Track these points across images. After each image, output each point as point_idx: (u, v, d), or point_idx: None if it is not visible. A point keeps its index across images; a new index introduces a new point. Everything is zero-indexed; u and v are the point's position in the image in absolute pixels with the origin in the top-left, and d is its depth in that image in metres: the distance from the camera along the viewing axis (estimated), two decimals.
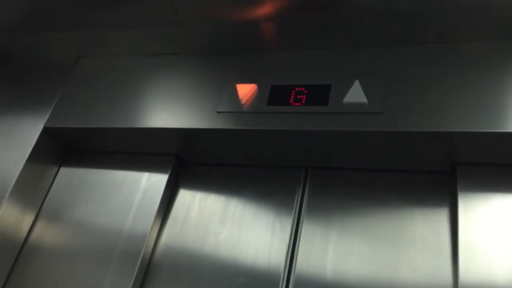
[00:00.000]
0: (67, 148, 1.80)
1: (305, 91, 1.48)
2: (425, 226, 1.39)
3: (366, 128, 1.37)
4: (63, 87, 1.79)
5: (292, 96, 1.49)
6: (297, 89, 1.50)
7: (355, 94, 1.42)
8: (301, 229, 1.48)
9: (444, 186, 1.43)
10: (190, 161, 1.72)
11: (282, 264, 1.44)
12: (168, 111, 1.60)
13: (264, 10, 1.51)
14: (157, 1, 1.56)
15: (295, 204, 1.54)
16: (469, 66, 1.40)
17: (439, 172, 1.45)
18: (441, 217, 1.39)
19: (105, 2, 1.62)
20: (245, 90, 1.54)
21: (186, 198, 1.66)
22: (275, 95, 1.51)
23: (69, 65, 1.84)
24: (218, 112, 1.53)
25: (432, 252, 1.34)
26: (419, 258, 1.34)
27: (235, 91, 1.55)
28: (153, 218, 1.56)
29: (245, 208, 1.58)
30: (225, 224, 1.56)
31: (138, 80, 1.71)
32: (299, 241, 1.46)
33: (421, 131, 1.33)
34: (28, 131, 1.70)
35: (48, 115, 1.72)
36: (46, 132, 1.70)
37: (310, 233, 1.47)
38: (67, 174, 1.77)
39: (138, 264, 1.49)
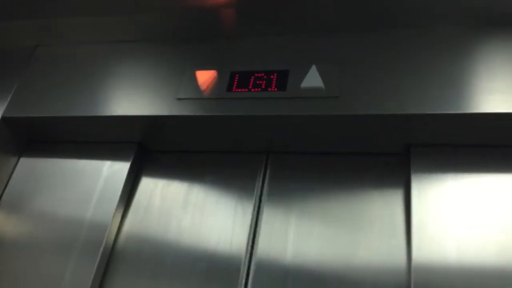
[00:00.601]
0: (26, 138, 1.77)
1: (264, 77, 1.50)
2: (381, 208, 1.42)
3: (323, 112, 1.40)
4: (20, 76, 1.76)
5: (251, 82, 1.50)
6: (256, 74, 1.51)
7: (312, 79, 1.44)
8: (262, 214, 1.51)
9: (399, 167, 1.47)
10: (152, 149, 1.72)
11: (244, 248, 1.46)
12: (128, 99, 1.59)
13: None
14: None
15: (256, 189, 1.55)
16: (424, 50, 1.43)
17: (394, 154, 1.49)
18: (396, 198, 1.43)
19: None
20: (205, 77, 1.54)
21: (149, 185, 1.66)
22: (234, 81, 1.52)
23: (27, 54, 1.81)
24: (178, 99, 1.53)
25: (388, 232, 1.38)
26: (376, 239, 1.38)
27: (194, 77, 1.55)
28: (115, 206, 1.56)
29: (207, 194, 1.59)
30: (188, 210, 1.57)
31: (97, 68, 1.70)
32: (260, 226, 1.49)
33: (376, 114, 1.36)
34: None
35: (5, 105, 1.69)
36: (4, 122, 1.67)
37: (271, 217, 1.49)
38: (27, 165, 1.75)
39: (100, 253, 1.49)
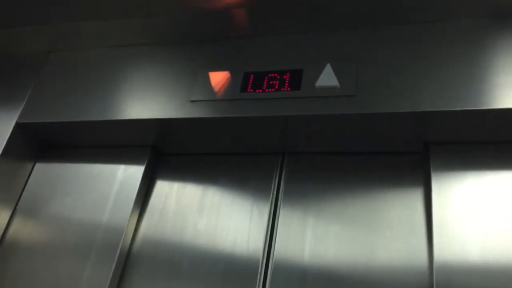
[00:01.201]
0: (41, 143, 1.78)
1: (278, 77, 1.48)
2: (400, 207, 1.40)
3: (338, 111, 1.38)
4: (34, 82, 1.76)
5: (265, 82, 1.49)
6: (269, 75, 1.50)
7: (327, 78, 1.42)
8: (278, 214, 1.49)
9: (418, 166, 1.44)
10: (166, 152, 1.71)
11: (261, 249, 1.44)
12: (142, 102, 1.59)
13: None
14: None
15: (272, 189, 1.54)
16: (440, 45, 1.40)
17: (412, 152, 1.46)
18: (416, 197, 1.40)
19: None
20: (218, 78, 1.53)
21: (164, 188, 1.65)
22: (248, 82, 1.50)
23: (40, 60, 1.81)
24: (192, 101, 1.52)
25: (407, 232, 1.36)
26: (395, 239, 1.35)
27: (208, 79, 1.54)
28: (130, 210, 1.55)
29: (223, 196, 1.58)
30: (203, 213, 1.56)
31: (110, 72, 1.70)
32: (277, 227, 1.47)
33: (393, 112, 1.34)
34: (0, 128, 1.68)
35: (20, 111, 1.70)
36: (19, 127, 1.68)
37: (288, 218, 1.48)
38: (42, 170, 1.75)
39: (117, 256, 1.48)
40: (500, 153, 1.35)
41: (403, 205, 1.40)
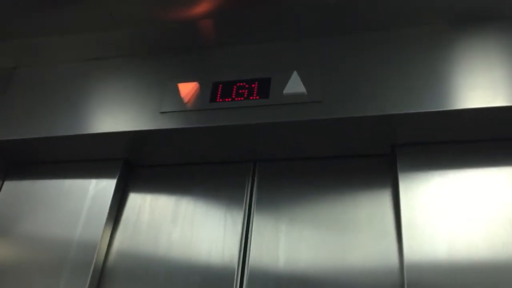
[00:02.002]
0: (9, 160, 1.75)
1: (246, 86, 1.50)
2: (370, 209, 1.43)
3: (307, 118, 1.40)
4: (0, 99, 1.74)
5: (234, 91, 1.50)
6: (238, 84, 1.51)
7: (294, 85, 1.45)
8: (252, 222, 1.50)
9: (386, 168, 1.47)
10: (138, 164, 1.71)
11: (236, 258, 1.45)
12: (111, 115, 1.58)
13: (200, 8, 1.52)
14: (92, 6, 1.54)
15: (245, 197, 1.55)
16: (403, 51, 1.45)
17: (380, 155, 1.50)
18: (385, 198, 1.43)
19: (38, 9, 1.58)
20: (187, 89, 1.54)
21: (137, 201, 1.64)
22: (217, 92, 1.52)
23: (5, 77, 1.79)
24: (162, 112, 1.53)
25: (378, 233, 1.38)
26: (366, 240, 1.38)
27: (177, 90, 1.55)
28: (103, 224, 1.54)
29: (196, 206, 1.58)
30: (177, 224, 1.55)
31: (78, 86, 1.68)
32: (251, 234, 1.48)
33: (359, 116, 1.37)
34: None
35: None
36: None
37: (261, 225, 1.49)
38: (11, 188, 1.72)
39: (91, 272, 1.47)
40: (465, 152, 1.40)
41: (373, 207, 1.43)
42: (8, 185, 1.73)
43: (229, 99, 1.49)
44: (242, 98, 1.48)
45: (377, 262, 1.34)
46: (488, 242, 1.25)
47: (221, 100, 1.50)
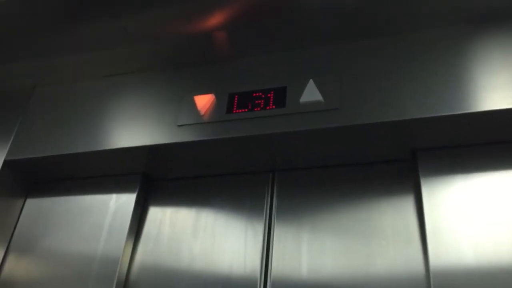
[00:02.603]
0: (31, 178, 1.77)
1: (262, 96, 1.50)
2: (393, 215, 1.41)
3: (324, 125, 1.39)
4: (21, 117, 1.76)
5: (250, 102, 1.50)
6: (254, 94, 1.51)
7: (311, 93, 1.44)
8: (273, 232, 1.49)
9: (407, 173, 1.45)
10: (157, 177, 1.71)
11: (258, 269, 1.44)
12: (129, 130, 1.59)
13: (213, 20, 1.53)
14: (107, 23, 1.57)
15: (265, 208, 1.54)
16: (420, 54, 1.43)
17: (400, 160, 1.47)
18: (407, 204, 1.41)
19: (54, 29, 1.61)
20: (203, 101, 1.54)
21: (157, 215, 1.65)
22: (233, 103, 1.52)
23: (26, 95, 1.82)
24: (179, 125, 1.53)
25: (402, 240, 1.36)
26: (390, 248, 1.36)
27: (193, 103, 1.55)
28: (124, 239, 1.54)
29: (216, 218, 1.58)
30: (198, 236, 1.55)
31: (96, 102, 1.70)
32: (273, 245, 1.47)
33: (378, 122, 1.35)
34: None
35: (7, 148, 1.69)
36: (7, 165, 1.67)
37: (283, 235, 1.47)
38: (34, 205, 1.74)
39: (114, 286, 1.47)
40: (487, 154, 1.37)
41: (396, 213, 1.41)
42: (30, 202, 1.75)
43: (246, 110, 1.49)
44: (258, 109, 1.48)
45: (402, 269, 1.32)
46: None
47: (237, 111, 1.50)
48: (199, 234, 1.56)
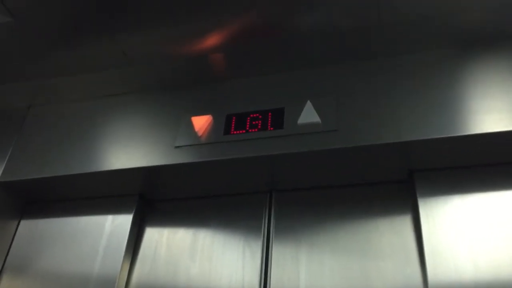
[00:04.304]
0: (25, 200, 1.76)
1: (260, 117, 1.51)
2: (391, 235, 1.41)
3: (322, 147, 1.40)
4: (15, 139, 1.75)
5: (248, 123, 1.51)
6: (251, 115, 1.52)
7: (309, 115, 1.45)
8: (271, 253, 1.49)
9: (404, 193, 1.46)
10: (154, 199, 1.70)
11: None
12: (125, 152, 1.59)
13: (211, 41, 1.53)
14: (103, 44, 1.56)
15: (262, 228, 1.54)
16: (417, 75, 1.45)
17: (398, 181, 1.49)
18: (405, 224, 1.42)
19: (50, 49, 1.61)
20: (201, 122, 1.55)
21: (154, 236, 1.64)
22: (230, 124, 1.52)
23: (20, 116, 1.81)
24: (176, 147, 1.53)
25: (400, 260, 1.37)
26: (388, 268, 1.36)
27: (190, 124, 1.56)
28: (121, 260, 1.53)
29: (214, 239, 1.57)
30: (195, 258, 1.54)
31: (92, 123, 1.70)
32: (271, 265, 1.46)
33: (376, 144, 1.37)
34: None
35: (2, 169, 1.68)
36: (2, 186, 1.66)
37: (281, 256, 1.47)
38: (28, 226, 1.72)
39: None
40: (483, 175, 1.39)
41: (394, 233, 1.42)
42: (25, 224, 1.73)
43: (243, 131, 1.50)
44: (256, 130, 1.49)
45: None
46: (508, 263, 1.24)
47: (235, 132, 1.50)
48: (197, 255, 1.55)
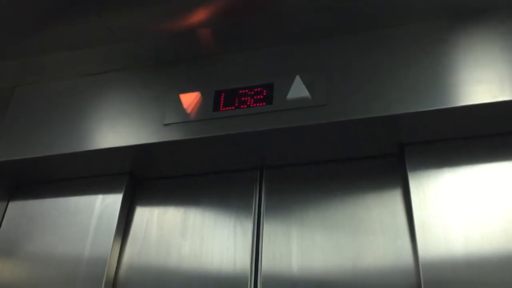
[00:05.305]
0: (13, 181, 1.73)
1: (249, 93, 1.49)
2: (381, 210, 1.42)
3: (312, 122, 1.39)
4: (1, 119, 1.72)
5: (237, 99, 1.49)
6: (240, 91, 1.50)
7: (298, 90, 1.44)
8: (262, 230, 1.49)
9: (394, 168, 1.46)
10: (144, 177, 1.69)
11: (248, 267, 1.43)
12: (114, 130, 1.57)
13: (198, 17, 1.51)
14: (89, 21, 1.53)
15: (253, 205, 1.54)
16: (406, 48, 1.44)
17: (388, 155, 1.49)
18: (395, 198, 1.42)
19: (35, 28, 1.58)
20: (190, 99, 1.53)
21: (144, 215, 1.63)
22: (219, 100, 1.51)
23: (6, 95, 1.77)
24: (165, 124, 1.52)
25: (391, 234, 1.37)
26: (379, 242, 1.37)
27: (179, 101, 1.54)
28: (111, 240, 1.52)
29: (205, 216, 1.56)
30: (187, 236, 1.54)
31: (79, 102, 1.67)
32: (262, 242, 1.46)
33: (365, 118, 1.36)
34: None
35: None
36: None
37: (272, 232, 1.47)
38: (17, 208, 1.70)
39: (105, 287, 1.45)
40: (473, 147, 1.39)
41: (384, 208, 1.42)
42: (14, 205, 1.71)
43: (232, 107, 1.48)
44: (245, 106, 1.47)
45: (392, 263, 1.33)
46: (503, 236, 1.24)
47: (224, 108, 1.48)
48: (188, 234, 1.54)
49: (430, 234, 1.28)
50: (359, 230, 1.40)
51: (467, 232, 1.26)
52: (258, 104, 1.46)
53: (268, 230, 1.48)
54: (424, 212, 1.32)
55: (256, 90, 1.49)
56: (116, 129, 1.56)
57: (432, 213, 1.31)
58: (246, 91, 1.50)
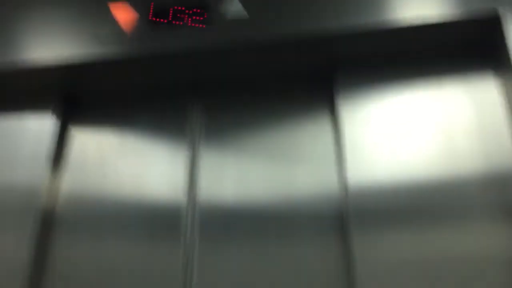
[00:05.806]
0: None
1: (186, 11, 1.40)
2: (312, 134, 1.40)
3: (239, 38, 1.34)
4: None
5: (172, 14, 1.40)
6: (175, 7, 1.40)
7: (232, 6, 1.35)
8: (199, 155, 1.44)
9: (324, 92, 1.44)
10: (77, 100, 1.60)
11: (185, 193, 1.40)
12: (45, 47, 1.46)
13: None
14: None
15: (191, 130, 1.48)
16: None
17: (317, 77, 1.45)
18: (326, 122, 1.40)
19: None
20: (122, 12, 1.41)
21: (80, 140, 1.55)
22: (153, 15, 1.42)
23: None
24: (97, 38, 1.42)
25: (321, 159, 1.36)
26: (310, 167, 1.35)
27: (111, 14, 1.41)
28: (45, 167, 1.45)
29: (142, 141, 1.50)
30: (124, 161, 1.48)
31: (7, 12, 1.54)
32: (199, 168, 1.42)
33: (294, 34, 1.32)
34: None
35: None
36: None
37: (209, 159, 1.43)
38: None
39: (38, 219, 1.39)
40: (403, 68, 1.36)
41: (315, 131, 1.41)
42: None
43: (168, 23, 1.40)
44: (181, 23, 1.40)
45: (322, 190, 1.32)
46: (431, 157, 1.24)
47: (159, 24, 1.39)
48: (125, 158, 1.48)
49: (358, 159, 1.27)
50: (290, 156, 1.38)
51: (393, 156, 1.26)
52: (193, 24, 1.39)
53: (205, 155, 1.45)
54: (353, 135, 1.30)
55: (191, 7, 1.40)
56: (47, 46, 1.46)
57: (360, 137, 1.30)
58: (182, 8, 1.40)
